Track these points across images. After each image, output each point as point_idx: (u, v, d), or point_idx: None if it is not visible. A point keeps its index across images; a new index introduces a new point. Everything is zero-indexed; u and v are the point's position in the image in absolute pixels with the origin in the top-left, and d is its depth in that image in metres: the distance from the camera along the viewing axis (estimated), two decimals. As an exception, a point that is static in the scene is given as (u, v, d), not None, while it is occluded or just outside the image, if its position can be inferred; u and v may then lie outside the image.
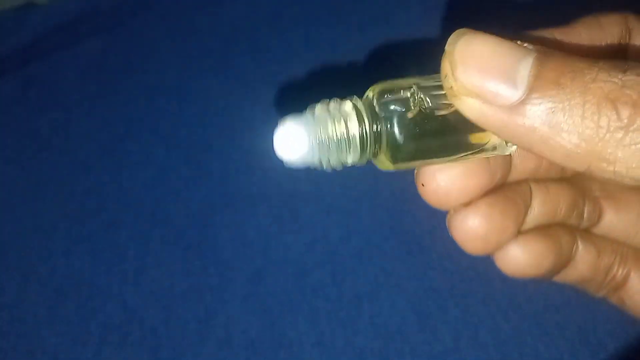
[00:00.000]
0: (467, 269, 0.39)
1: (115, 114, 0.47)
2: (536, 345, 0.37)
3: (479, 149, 0.22)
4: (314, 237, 0.42)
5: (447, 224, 0.26)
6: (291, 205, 0.43)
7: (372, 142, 0.21)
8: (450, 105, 0.21)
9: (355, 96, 0.22)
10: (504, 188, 0.26)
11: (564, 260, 0.27)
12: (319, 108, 0.21)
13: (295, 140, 0.21)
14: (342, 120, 0.21)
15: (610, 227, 0.29)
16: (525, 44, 0.19)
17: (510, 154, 0.24)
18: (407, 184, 0.28)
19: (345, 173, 0.42)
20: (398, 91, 0.22)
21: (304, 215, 0.42)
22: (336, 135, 0.21)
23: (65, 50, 0.49)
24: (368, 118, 0.21)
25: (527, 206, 0.27)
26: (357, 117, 0.21)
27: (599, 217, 0.29)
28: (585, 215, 0.28)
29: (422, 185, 0.24)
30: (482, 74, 0.19)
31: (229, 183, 0.44)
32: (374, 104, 0.22)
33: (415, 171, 0.25)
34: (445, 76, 0.20)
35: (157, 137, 0.46)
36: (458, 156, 0.23)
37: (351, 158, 0.21)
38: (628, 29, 0.25)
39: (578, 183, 0.28)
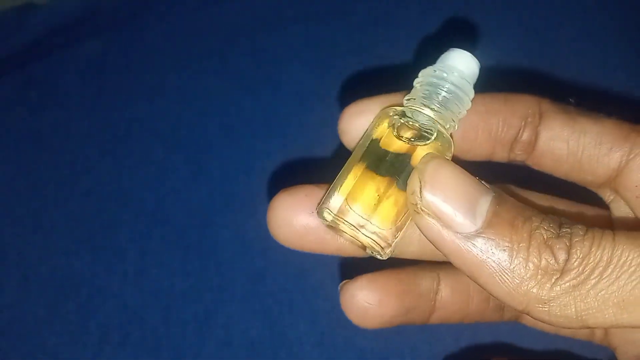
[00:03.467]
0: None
1: (115, 114, 0.47)
2: (537, 344, 0.37)
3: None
4: (314, 237, 0.42)
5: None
6: (291, 205, 0.43)
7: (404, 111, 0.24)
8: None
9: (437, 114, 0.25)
10: (402, 271, 0.28)
11: (424, 299, 0.28)
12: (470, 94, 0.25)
13: (460, 61, 0.25)
14: (431, 90, 0.24)
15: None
16: (483, 182, 0.22)
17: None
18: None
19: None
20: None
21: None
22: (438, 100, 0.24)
23: (65, 50, 0.49)
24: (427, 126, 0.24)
25: (426, 290, 0.28)
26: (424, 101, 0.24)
27: None
28: (505, 306, 0.29)
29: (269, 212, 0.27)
30: (445, 200, 0.21)
31: (229, 183, 0.44)
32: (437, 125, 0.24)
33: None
34: (413, 192, 0.21)
35: (157, 137, 0.46)
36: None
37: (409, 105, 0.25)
38: (539, 111, 0.26)
39: None
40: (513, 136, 0.26)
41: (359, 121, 0.26)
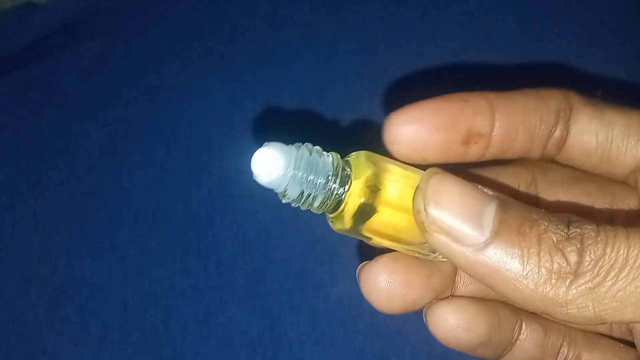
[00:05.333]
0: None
1: (116, 114, 0.47)
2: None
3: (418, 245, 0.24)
4: (314, 237, 0.42)
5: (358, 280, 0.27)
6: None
7: (332, 200, 0.23)
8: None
9: (338, 155, 0.24)
10: None
11: (503, 336, 0.27)
12: (304, 149, 0.23)
13: (271, 165, 0.22)
14: (318, 170, 0.23)
15: None
16: (486, 190, 0.22)
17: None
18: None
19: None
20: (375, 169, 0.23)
21: (304, 215, 0.42)
22: (306, 181, 0.23)
23: (65, 50, 0.49)
24: (340, 179, 0.23)
25: (449, 270, 0.27)
26: (331, 175, 0.23)
27: None
28: None
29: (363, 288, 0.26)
30: (451, 215, 0.21)
31: (229, 183, 0.44)
32: (351, 171, 0.23)
33: (357, 274, 0.27)
34: (418, 212, 0.21)
35: (157, 137, 0.46)
36: (396, 245, 0.24)
37: (309, 205, 0.23)
38: (569, 105, 0.26)
39: None
40: (549, 132, 0.26)
41: (409, 129, 0.25)
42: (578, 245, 0.20)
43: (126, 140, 0.46)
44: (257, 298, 0.40)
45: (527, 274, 0.20)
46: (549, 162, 0.29)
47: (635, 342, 0.26)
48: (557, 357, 0.29)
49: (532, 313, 0.29)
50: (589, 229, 0.20)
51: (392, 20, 0.48)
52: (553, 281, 0.20)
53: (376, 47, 0.47)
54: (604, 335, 0.29)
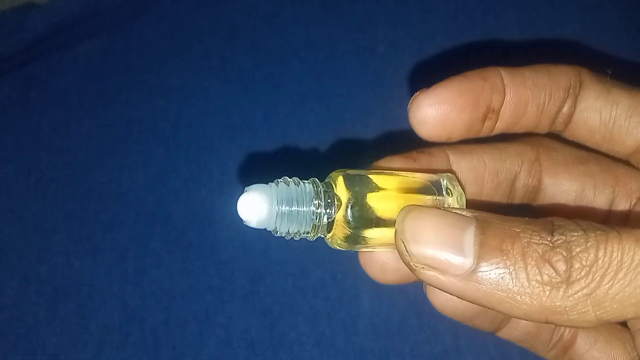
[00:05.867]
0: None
1: (116, 114, 0.47)
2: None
3: None
4: (314, 237, 0.42)
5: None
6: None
7: (324, 224, 0.24)
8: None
9: (316, 179, 0.24)
10: None
11: None
12: (282, 184, 0.24)
13: (256, 208, 0.23)
14: (302, 200, 0.23)
15: None
16: (464, 212, 0.22)
17: None
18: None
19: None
20: (354, 182, 0.24)
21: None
22: (293, 213, 0.23)
23: (65, 50, 0.49)
24: (325, 203, 0.24)
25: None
26: (315, 200, 0.24)
27: None
28: None
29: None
30: (433, 249, 0.21)
31: (229, 183, 0.44)
32: (334, 192, 0.24)
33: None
34: (402, 253, 0.22)
35: (157, 137, 0.46)
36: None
37: (303, 233, 0.24)
38: (579, 82, 0.26)
39: None
40: (558, 108, 0.26)
41: (437, 110, 0.25)
42: (564, 253, 0.20)
43: (126, 140, 0.46)
44: (257, 298, 0.40)
45: (519, 290, 0.20)
46: (555, 142, 0.29)
47: (629, 327, 0.27)
48: (552, 334, 0.29)
49: None
50: (576, 236, 0.20)
51: (392, 20, 0.48)
52: (547, 292, 0.20)
53: (376, 47, 0.47)
54: None
